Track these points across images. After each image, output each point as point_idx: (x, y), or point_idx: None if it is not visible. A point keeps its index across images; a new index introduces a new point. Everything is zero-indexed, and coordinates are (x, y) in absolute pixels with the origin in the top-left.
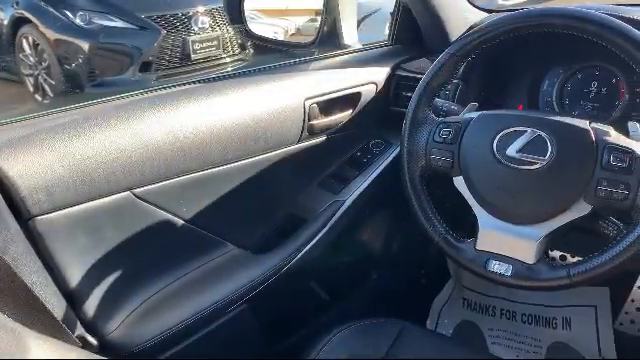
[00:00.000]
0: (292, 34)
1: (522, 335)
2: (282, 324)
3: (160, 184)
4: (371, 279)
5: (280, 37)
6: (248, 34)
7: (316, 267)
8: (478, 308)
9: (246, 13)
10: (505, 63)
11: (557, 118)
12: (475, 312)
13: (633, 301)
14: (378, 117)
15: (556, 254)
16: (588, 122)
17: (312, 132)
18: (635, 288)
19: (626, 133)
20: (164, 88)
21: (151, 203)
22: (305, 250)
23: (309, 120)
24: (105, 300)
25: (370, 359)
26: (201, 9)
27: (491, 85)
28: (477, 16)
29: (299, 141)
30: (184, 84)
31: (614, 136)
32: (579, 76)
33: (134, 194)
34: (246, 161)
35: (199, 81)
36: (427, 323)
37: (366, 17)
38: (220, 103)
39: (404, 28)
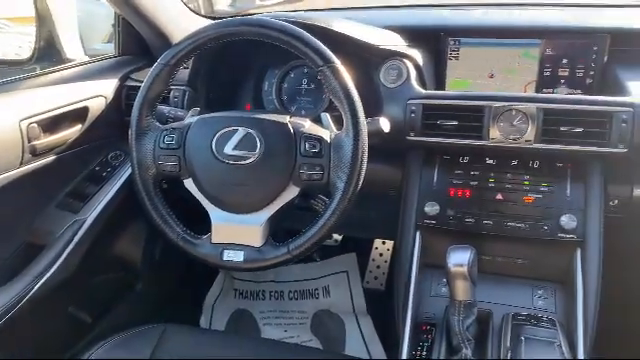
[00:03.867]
0: None
1: (289, 311)
2: (40, 355)
3: None
4: (136, 289)
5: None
6: None
7: (70, 290)
8: (249, 295)
9: None
10: (229, 67)
11: (262, 116)
12: (247, 299)
13: (374, 260)
14: (114, 129)
15: None
16: (288, 117)
17: (36, 153)
18: (373, 249)
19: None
20: None
21: None
22: (48, 276)
23: (29, 141)
24: None
25: None
26: None
27: (220, 88)
28: (202, 24)
29: (22, 164)
30: None
31: (308, 127)
32: (292, 75)
33: None
34: None
35: None
36: (201, 321)
37: None
38: None
39: (129, 39)
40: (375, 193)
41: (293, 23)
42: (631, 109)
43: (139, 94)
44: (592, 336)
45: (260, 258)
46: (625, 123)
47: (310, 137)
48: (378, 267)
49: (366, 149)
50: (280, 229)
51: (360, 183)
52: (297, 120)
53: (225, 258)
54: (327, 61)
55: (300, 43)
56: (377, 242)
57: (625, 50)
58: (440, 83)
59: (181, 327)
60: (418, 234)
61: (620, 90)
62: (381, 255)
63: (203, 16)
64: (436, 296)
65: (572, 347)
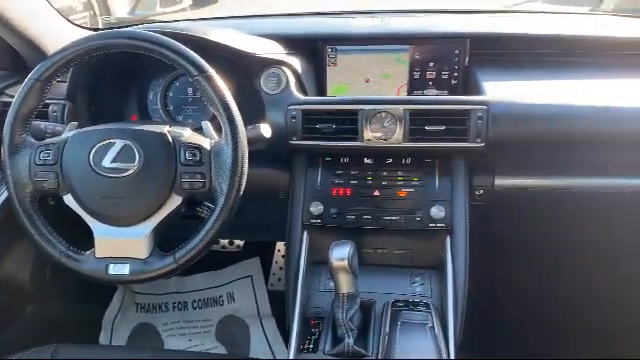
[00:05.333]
0: None
1: (194, 320)
2: None
3: None
4: (27, 312)
5: None
6: None
7: None
8: (152, 308)
9: None
10: (112, 78)
11: (140, 127)
12: (149, 313)
13: (277, 262)
14: None
15: None
16: (167, 127)
17: None
18: (276, 251)
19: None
20: None
21: None
22: None
23: None
24: None
25: None
26: None
27: (103, 101)
28: (80, 36)
29: None
30: None
31: (187, 135)
32: (177, 84)
33: None
34: None
35: None
36: (101, 338)
37: None
38: None
39: (1, 53)
40: (267, 197)
41: (166, 34)
42: (485, 107)
43: (10, 110)
44: (462, 315)
45: (146, 269)
46: (481, 120)
47: (189, 146)
48: (281, 269)
49: (246, 154)
50: (169, 239)
51: (242, 188)
52: (176, 129)
53: (111, 272)
54: (201, 70)
55: (172, 53)
56: (279, 244)
57: (483, 53)
58: (321, 89)
59: (73, 346)
60: (305, 233)
61: (478, 90)
62: (283, 257)
63: (82, 27)
64: (324, 291)
65: (444, 327)
